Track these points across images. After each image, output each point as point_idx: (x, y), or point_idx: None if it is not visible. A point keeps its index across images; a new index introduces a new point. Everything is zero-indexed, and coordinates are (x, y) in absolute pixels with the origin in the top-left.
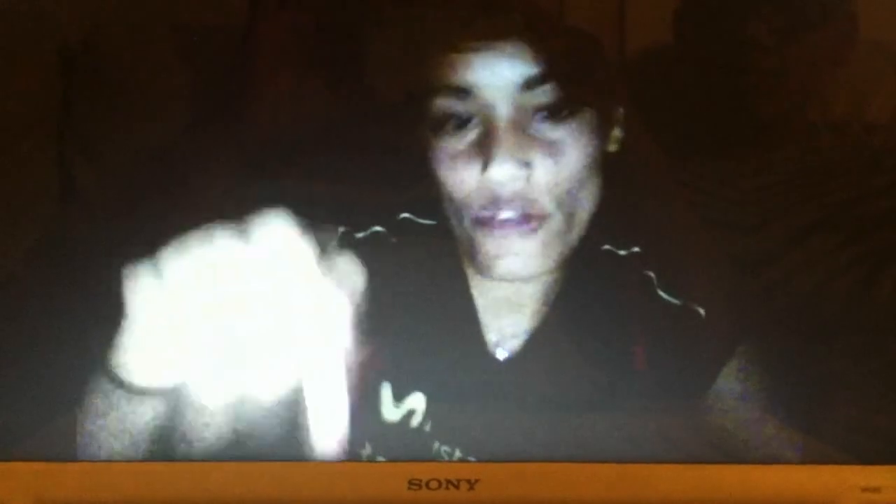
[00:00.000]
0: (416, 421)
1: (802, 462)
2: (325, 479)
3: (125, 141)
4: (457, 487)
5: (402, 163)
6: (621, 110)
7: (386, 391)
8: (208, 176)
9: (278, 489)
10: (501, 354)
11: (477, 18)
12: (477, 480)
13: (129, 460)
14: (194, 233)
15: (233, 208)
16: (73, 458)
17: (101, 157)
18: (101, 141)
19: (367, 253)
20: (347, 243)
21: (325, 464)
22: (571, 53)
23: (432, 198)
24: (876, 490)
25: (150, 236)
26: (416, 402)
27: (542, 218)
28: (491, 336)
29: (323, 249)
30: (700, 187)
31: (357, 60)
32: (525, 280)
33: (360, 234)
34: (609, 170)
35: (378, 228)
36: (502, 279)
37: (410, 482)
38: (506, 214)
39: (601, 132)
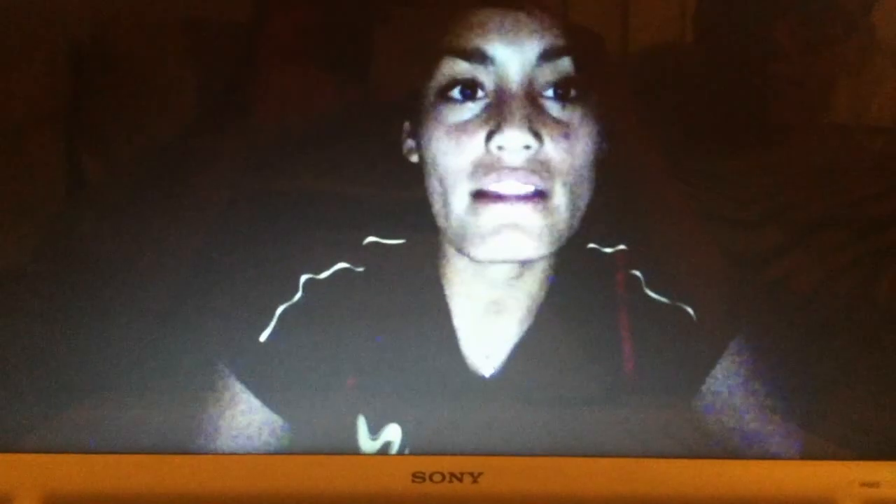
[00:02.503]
0: (393, 452)
1: (802, 458)
2: (329, 473)
3: (134, 137)
4: (460, 480)
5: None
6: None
7: (362, 424)
8: (215, 172)
9: (283, 481)
10: (487, 370)
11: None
12: (480, 473)
13: (136, 452)
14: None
15: (239, 204)
16: (82, 450)
17: (109, 154)
18: (109, 137)
19: (334, 293)
20: (311, 290)
21: (330, 457)
22: (584, 40)
23: (401, 211)
24: (875, 485)
25: (158, 232)
26: (392, 433)
27: (546, 196)
28: (474, 352)
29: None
30: (699, 185)
31: (364, 56)
32: (519, 264)
33: (323, 275)
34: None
35: (342, 265)
36: (496, 260)
37: (414, 475)
38: (510, 186)
39: (602, 129)
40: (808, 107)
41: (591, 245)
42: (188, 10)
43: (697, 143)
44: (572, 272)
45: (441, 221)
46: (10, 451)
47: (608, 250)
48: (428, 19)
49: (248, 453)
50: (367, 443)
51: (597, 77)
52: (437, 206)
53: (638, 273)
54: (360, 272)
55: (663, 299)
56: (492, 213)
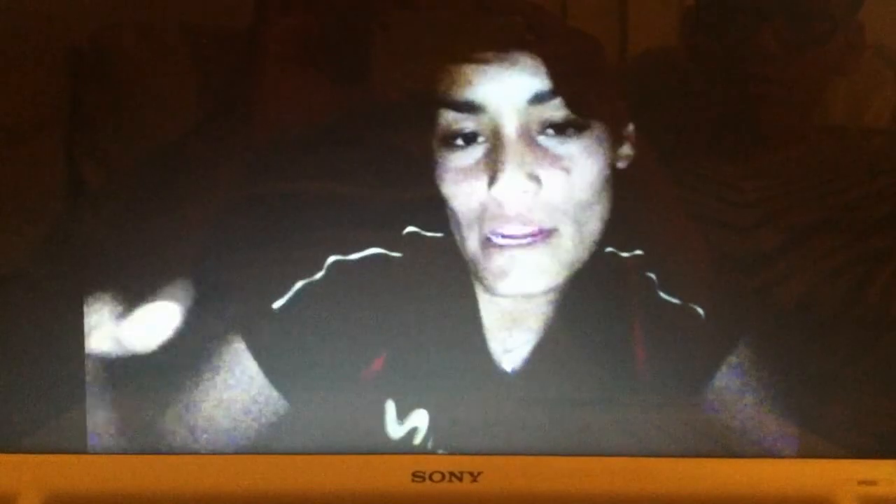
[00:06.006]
0: (418, 438)
1: (800, 456)
2: (329, 471)
3: (133, 140)
4: (460, 479)
5: (411, 165)
6: (631, 127)
7: (390, 408)
8: (214, 175)
9: (284, 480)
10: (510, 365)
11: (479, 21)
12: (480, 473)
13: (138, 452)
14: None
15: (239, 207)
16: (84, 450)
17: (109, 157)
18: (109, 140)
19: (364, 274)
20: (337, 272)
21: (330, 456)
22: (577, 61)
23: (439, 208)
24: (872, 483)
25: (157, 235)
26: (419, 419)
27: (550, 233)
28: (498, 348)
29: None
30: (700, 189)
31: (362, 61)
32: (531, 297)
33: (354, 256)
34: (613, 174)
35: (376, 250)
36: (509, 296)
37: (414, 474)
38: (513, 230)
39: (610, 148)
40: (798, 104)
41: (610, 249)
42: (188, 15)
43: (697, 150)
44: (592, 275)
45: (461, 250)
46: (13, 452)
47: (625, 255)
48: (421, 63)
49: (249, 453)
50: (394, 427)
51: (592, 110)
52: (456, 240)
53: (652, 275)
54: (395, 257)
55: (675, 300)
56: (501, 256)
